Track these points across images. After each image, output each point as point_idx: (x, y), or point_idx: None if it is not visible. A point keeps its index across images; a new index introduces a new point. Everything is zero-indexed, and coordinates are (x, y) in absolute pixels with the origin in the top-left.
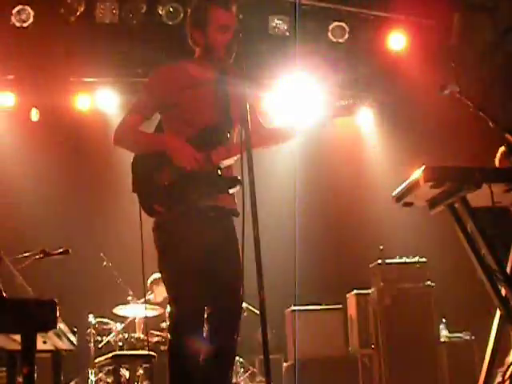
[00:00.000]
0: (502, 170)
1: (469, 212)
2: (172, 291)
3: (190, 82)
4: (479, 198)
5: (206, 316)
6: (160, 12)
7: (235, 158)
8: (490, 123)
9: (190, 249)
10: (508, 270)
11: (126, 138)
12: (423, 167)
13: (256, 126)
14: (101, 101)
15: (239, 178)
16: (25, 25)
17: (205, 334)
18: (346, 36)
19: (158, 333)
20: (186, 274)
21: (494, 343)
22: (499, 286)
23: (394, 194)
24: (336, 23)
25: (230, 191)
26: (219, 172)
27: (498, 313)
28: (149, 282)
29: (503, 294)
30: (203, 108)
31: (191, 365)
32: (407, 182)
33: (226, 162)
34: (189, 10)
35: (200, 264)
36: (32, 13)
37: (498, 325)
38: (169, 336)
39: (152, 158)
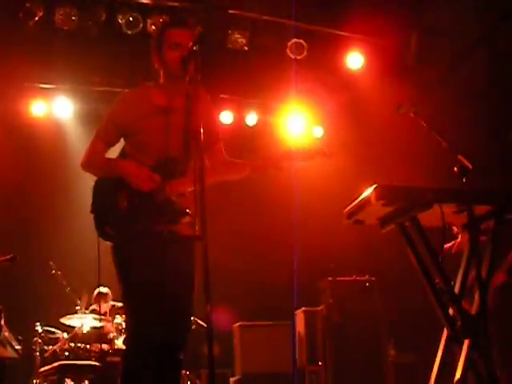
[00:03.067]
0: (454, 190)
1: (419, 231)
2: (128, 309)
3: (150, 110)
4: (430, 217)
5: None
6: (120, 21)
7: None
8: (444, 144)
9: (143, 271)
10: (456, 289)
11: (90, 164)
12: (375, 185)
13: (219, 156)
14: (56, 108)
15: (188, 211)
16: None
17: None
18: (305, 53)
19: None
20: (139, 294)
21: (440, 363)
22: (447, 306)
23: (345, 211)
24: (295, 40)
25: (181, 221)
26: (170, 202)
27: (445, 333)
28: (94, 293)
29: (451, 314)
30: (162, 138)
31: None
32: (359, 199)
33: (180, 192)
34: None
35: (152, 286)
36: None
37: (445, 345)
38: (124, 347)
39: (111, 183)
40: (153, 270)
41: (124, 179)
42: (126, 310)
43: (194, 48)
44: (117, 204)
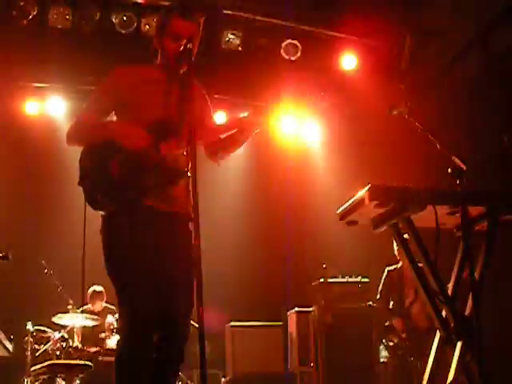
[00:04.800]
0: (447, 191)
1: (413, 233)
2: (120, 293)
3: (142, 79)
4: (424, 218)
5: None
6: (113, 20)
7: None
8: (437, 145)
9: (137, 247)
10: (449, 291)
11: (77, 132)
12: (369, 186)
13: (211, 126)
14: (50, 107)
15: (186, 170)
16: None
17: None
18: (299, 54)
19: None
20: (133, 273)
21: (433, 364)
22: (440, 308)
23: (338, 211)
24: (289, 41)
25: (177, 183)
26: (166, 163)
27: (438, 334)
28: (89, 292)
29: (444, 316)
30: (154, 103)
31: (140, 370)
32: (352, 200)
33: (175, 152)
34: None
35: (147, 264)
36: None
37: (438, 346)
38: (118, 337)
39: (100, 149)
40: (148, 247)
41: (115, 143)
42: (118, 295)
43: (189, 46)
44: (109, 170)
